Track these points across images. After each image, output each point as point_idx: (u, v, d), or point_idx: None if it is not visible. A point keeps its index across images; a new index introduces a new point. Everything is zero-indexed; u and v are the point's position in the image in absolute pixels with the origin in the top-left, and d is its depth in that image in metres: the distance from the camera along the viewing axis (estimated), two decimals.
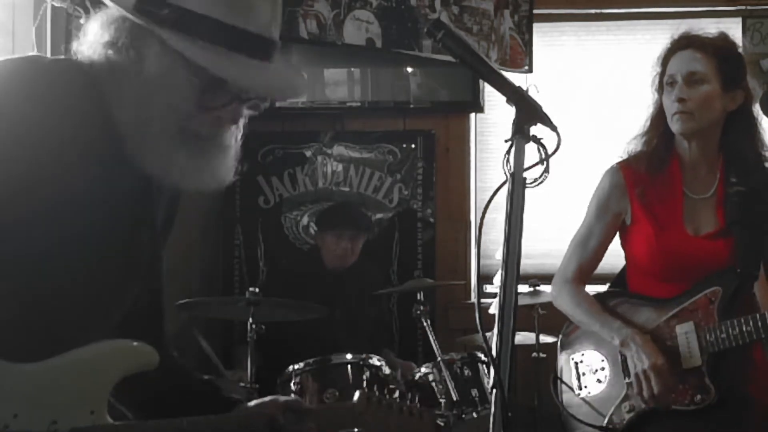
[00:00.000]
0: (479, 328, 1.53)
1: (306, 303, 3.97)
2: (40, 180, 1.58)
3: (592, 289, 2.88)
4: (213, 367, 4.02)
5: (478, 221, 2.66)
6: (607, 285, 2.94)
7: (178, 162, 1.65)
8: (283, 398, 1.93)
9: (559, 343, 2.92)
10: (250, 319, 3.81)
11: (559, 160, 1.59)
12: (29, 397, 1.61)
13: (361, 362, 3.73)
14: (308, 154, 5.31)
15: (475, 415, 3.72)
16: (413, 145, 5.30)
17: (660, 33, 2.86)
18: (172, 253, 1.95)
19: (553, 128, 1.60)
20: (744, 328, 2.56)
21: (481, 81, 4.80)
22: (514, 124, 1.60)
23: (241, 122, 1.73)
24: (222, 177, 1.71)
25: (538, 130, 1.61)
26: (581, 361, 2.82)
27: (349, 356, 3.75)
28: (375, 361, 3.74)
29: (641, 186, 2.73)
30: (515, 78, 4.18)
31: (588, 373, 2.79)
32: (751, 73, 2.77)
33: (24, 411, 1.60)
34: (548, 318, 4.07)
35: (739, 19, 5.24)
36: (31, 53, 1.79)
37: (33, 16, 3.27)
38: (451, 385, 3.71)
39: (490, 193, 1.59)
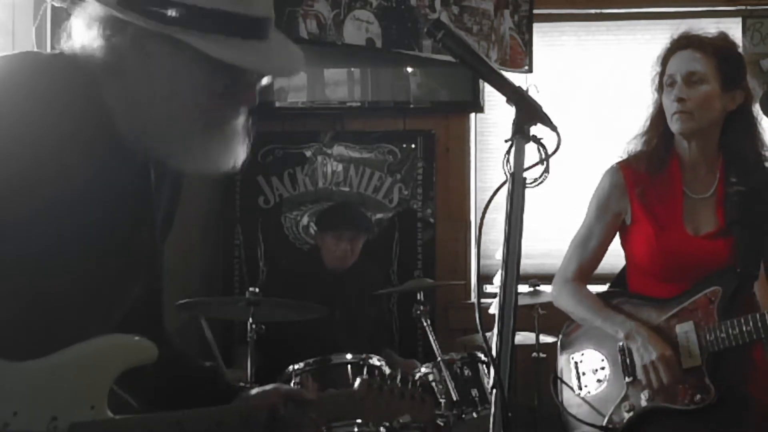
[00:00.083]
0: (479, 328, 1.53)
1: (306, 303, 3.97)
2: (40, 178, 1.59)
3: (592, 289, 2.87)
4: (213, 358, 4.03)
5: (478, 221, 2.66)
6: (607, 285, 2.94)
7: (203, 152, 1.68)
8: (285, 387, 1.94)
9: (559, 343, 2.92)
10: (250, 319, 3.81)
11: (559, 160, 1.59)
12: (28, 394, 1.61)
13: (361, 362, 3.73)
14: (308, 154, 5.31)
15: (475, 415, 3.72)
16: (413, 145, 5.30)
17: (660, 33, 2.86)
18: (172, 253, 1.95)
19: (553, 128, 1.60)
20: (744, 328, 2.56)
21: (481, 81, 4.80)
22: (514, 124, 1.60)
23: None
24: (237, 158, 1.73)
25: (538, 130, 1.61)
26: (581, 361, 2.82)
27: (349, 356, 3.75)
28: (375, 361, 3.74)
29: (641, 186, 2.73)
30: (515, 78, 4.18)
31: (588, 373, 2.79)
32: (751, 73, 2.77)
33: (24, 409, 1.61)
34: (548, 318, 4.07)
35: (739, 19, 5.24)
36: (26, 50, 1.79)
37: (33, 16, 3.27)
38: (451, 385, 3.71)
39: (490, 193, 1.59)
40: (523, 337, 4.32)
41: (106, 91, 1.65)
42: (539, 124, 1.61)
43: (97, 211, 1.65)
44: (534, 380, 4.28)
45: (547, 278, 3.31)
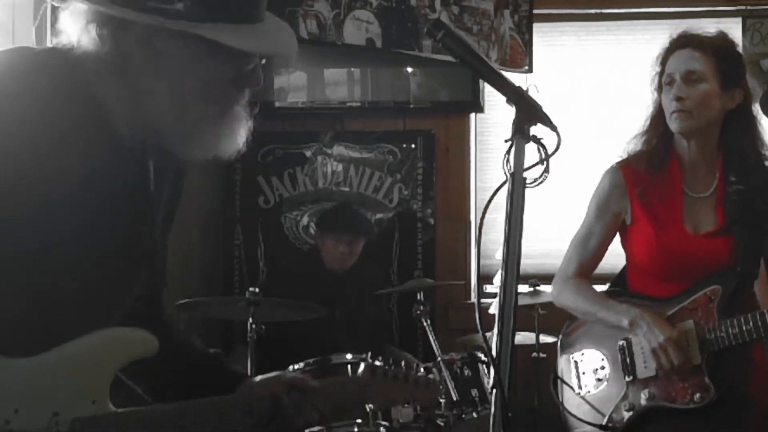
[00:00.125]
0: (479, 328, 1.53)
1: (306, 303, 3.97)
2: (38, 175, 1.59)
3: None
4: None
5: (478, 221, 2.66)
6: (607, 285, 2.94)
7: (211, 137, 1.70)
8: (288, 375, 1.94)
9: (559, 342, 2.92)
10: (250, 319, 3.81)
11: (559, 160, 1.59)
12: (29, 391, 1.62)
13: (361, 360, 3.72)
14: (308, 154, 5.31)
15: (475, 415, 3.72)
16: (413, 145, 5.30)
17: (660, 33, 2.86)
18: (172, 253, 1.95)
19: (553, 128, 1.60)
20: (744, 327, 2.56)
21: (481, 81, 4.80)
22: (514, 124, 1.60)
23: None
24: (240, 140, 1.75)
25: (538, 130, 1.61)
26: (581, 361, 2.82)
27: (349, 356, 3.75)
28: (376, 362, 3.73)
29: (641, 186, 2.73)
30: (515, 78, 4.18)
31: (588, 373, 2.79)
32: (751, 73, 2.77)
33: (24, 406, 1.61)
34: (548, 318, 4.07)
35: (739, 19, 5.24)
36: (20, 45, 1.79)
37: (33, 16, 3.27)
38: (451, 385, 3.71)
39: (490, 193, 1.59)
40: (523, 337, 4.32)
41: (104, 90, 1.65)
42: (539, 124, 1.61)
43: (96, 209, 1.65)
44: (534, 380, 4.28)
45: (547, 278, 3.31)
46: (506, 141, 1.59)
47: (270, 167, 5.27)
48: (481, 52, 4.52)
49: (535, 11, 5.16)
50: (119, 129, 1.67)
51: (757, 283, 2.68)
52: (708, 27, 2.79)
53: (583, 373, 2.80)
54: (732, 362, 2.60)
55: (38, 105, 1.60)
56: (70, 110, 1.62)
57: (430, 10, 4.77)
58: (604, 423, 2.69)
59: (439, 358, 3.80)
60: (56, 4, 1.69)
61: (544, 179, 1.60)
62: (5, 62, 1.65)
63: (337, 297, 4.44)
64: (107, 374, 1.69)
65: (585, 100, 5.32)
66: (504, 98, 1.62)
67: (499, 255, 2.88)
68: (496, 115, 5.30)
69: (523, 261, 1.57)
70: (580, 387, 2.79)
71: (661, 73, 2.72)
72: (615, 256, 2.88)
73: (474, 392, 3.80)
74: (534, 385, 4.30)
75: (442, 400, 3.64)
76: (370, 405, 2.09)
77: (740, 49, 2.79)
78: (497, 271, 2.23)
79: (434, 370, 3.80)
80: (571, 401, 2.80)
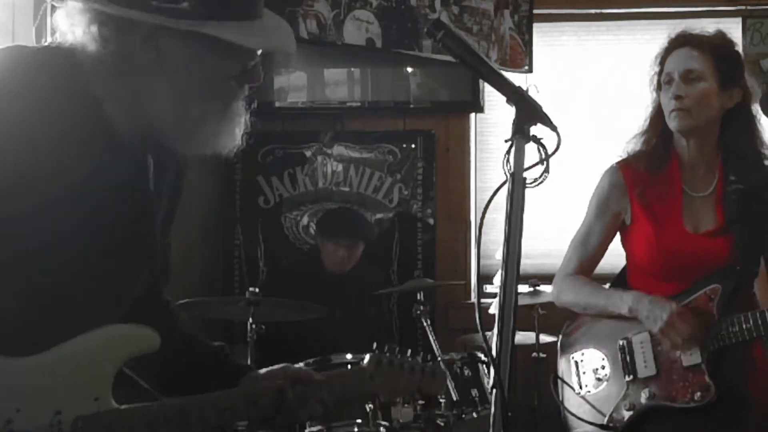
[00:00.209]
0: (479, 328, 1.53)
1: (306, 303, 3.97)
2: (37, 174, 1.59)
3: None
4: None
5: (478, 221, 2.66)
6: (608, 285, 2.93)
7: (212, 133, 1.71)
8: (293, 368, 1.93)
9: (559, 342, 2.92)
10: (250, 319, 3.81)
11: (559, 160, 1.59)
12: (31, 390, 1.62)
13: (360, 362, 3.72)
14: (308, 154, 5.31)
15: (475, 415, 3.72)
16: (413, 145, 5.30)
17: (660, 33, 2.86)
18: (173, 253, 1.95)
19: (553, 128, 1.60)
20: (744, 326, 2.56)
21: (481, 81, 4.80)
22: (514, 124, 1.60)
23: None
24: (239, 135, 1.76)
25: (538, 130, 1.61)
26: (581, 360, 2.82)
27: (349, 356, 3.75)
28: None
29: (641, 185, 2.74)
30: (515, 78, 4.18)
31: (588, 372, 2.79)
32: (751, 73, 2.78)
33: (26, 405, 1.61)
34: (548, 318, 4.07)
35: (739, 19, 5.24)
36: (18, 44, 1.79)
37: (33, 16, 3.28)
38: (451, 385, 3.71)
39: (490, 193, 1.60)
40: (523, 337, 4.32)
41: (104, 89, 1.65)
42: (539, 124, 1.61)
43: (95, 208, 1.65)
44: (534, 380, 4.28)
45: (547, 278, 3.31)
46: (506, 141, 1.59)
47: (270, 167, 5.27)
48: (481, 52, 4.52)
49: (535, 11, 5.16)
50: (118, 128, 1.67)
51: (756, 282, 2.68)
52: (708, 27, 2.79)
53: (584, 373, 2.80)
54: (732, 361, 2.61)
55: (37, 104, 1.60)
56: (69, 109, 1.62)
57: (430, 10, 4.78)
58: (604, 422, 2.69)
59: (439, 358, 3.80)
60: (56, 4, 1.69)
61: (544, 179, 1.60)
62: (3, 61, 1.64)
63: (337, 297, 4.44)
64: (109, 371, 1.69)
65: (585, 100, 5.32)
66: (504, 98, 1.63)
67: (499, 255, 2.87)
68: (496, 115, 5.30)
69: (523, 261, 1.57)
70: (580, 387, 2.79)
71: (659, 73, 2.72)
72: (615, 256, 2.88)
73: (474, 392, 3.80)
74: (534, 385, 4.30)
75: (442, 400, 3.64)
76: (377, 397, 2.08)
77: (738, 48, 2.79)
78: (497, 271, 2.22)
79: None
80: (571, 401, 2.80)
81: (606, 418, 2.70)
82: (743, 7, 5.25)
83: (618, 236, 2.83)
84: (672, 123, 2.67)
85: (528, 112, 1.61)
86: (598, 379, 2.77)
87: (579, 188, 3.64)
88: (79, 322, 1.67)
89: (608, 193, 2.79)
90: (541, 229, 5.00)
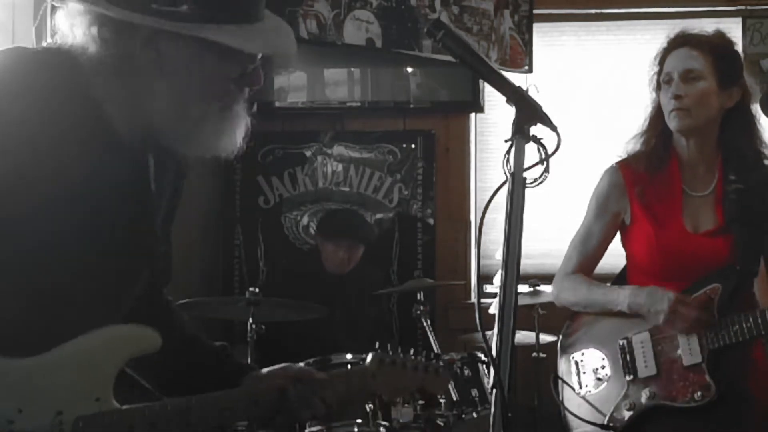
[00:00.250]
0: (479, 328, 1.53)
1: (306, 303, 3.97)
2: (36, 175, 1.59)
3: None
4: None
5: (478, 221, 2.66)
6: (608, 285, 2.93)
7: (212, 135, 1.71)
8: (295, 367, 1.93)
9: (559, 342, 2.92)
10: (250, 319, 3.81)
11: (559, 160, 1.59)
12: (32, 391, 1.62)
13: (361, 362, 3.71)
14: (308, 154, 5.31)
15: (475, 415, 3.72)
16: (413, 145, 5.30)
17: (660, 33, 2.86)
18: (173, 253, 1.95)
19: (553, 128, 1.60)
20: (744, 325, 2.56)
21: (481, 81, 4.80)
22: (514, 124, 1.60)
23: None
24: (240, 138, 1.76)
25: (538, 130, 1.61)
26: (581, 361, 2.82)
27: (349, 356, 3.75)
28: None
29: (640, 185, 2.74)
30: (515, 78, 4.18)
31: (588, 373, 2.79)
32: (751, 73, 2.78)
33: (28, 405, 1.61)
34: (548, 318, 4.07)
35: (739, 19, 5.24)
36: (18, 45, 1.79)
37: (33, 16, 3.28)
38: (451, 385, 3.71)
39: (490, 193, 1.60)
40: (523, 337, 4.32)
41: (103, 90, 1.65)
42: (539, 124, 1.61)
43: (95, 208, 1.65)
44: (534, 380, 4.28)
45: (547, 278, 3.31)
46: (506, 141, 1.59)
47: (270, 167, 5.27)
48: (481, 52, 4.53)
49: (535, 11, 5.16)
50: (119, 129, 1.67)
51: (756, 282, 2.68)
52: (708, 27, 2.79)
53: (584, 373, 2.80)
54: (732, 361, 2.61)
55: (37, 104, 1.60)
56: (69, 110, 1.63)
57: (430, 10, 4.78)
58: (605, 422, 2.69)
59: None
60: (56, 4, 1.69)
61: (544, 179, 1.60)
62: (4, 62, 1.65)
63: (337, 297, 4.44)
64: (110, 371, 1.69)
65: (585, 100, 5.32)
66: (504, 98, 1.63)
67: (499, 255, 2.88)
68: (496, 115, 5.30)
69: (523, 261, 1.57)
70: (580, 387, 2.79)
71: (659, 73, 2.72)
72: (615, 256, 2.88)
73: (474, 392, 3.80)
74: (534, 385, 4.30)
75: (442, 400, 3.64)
76: (380, 397, 2.07)
77: (737, 47, 2.79)
78: (497, 271, 2.23)
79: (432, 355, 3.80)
80: (571, 401, 2.80)
81: (606, 418, 2.70)
82: (743, 7, 5.25)
83: (618, 236, 2.84)
84: (672, 123, 2.68)
85: (528, 112, 1.61)
86: (599, 379, 2.77)
87: (579, 188, 3.63)
88: (80, 322, 1.67)
89: (608, 193, 2.80)
90: (541, 229, 5.00)
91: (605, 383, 2.75)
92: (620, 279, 2.86)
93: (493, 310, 3.87)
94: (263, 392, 1.84)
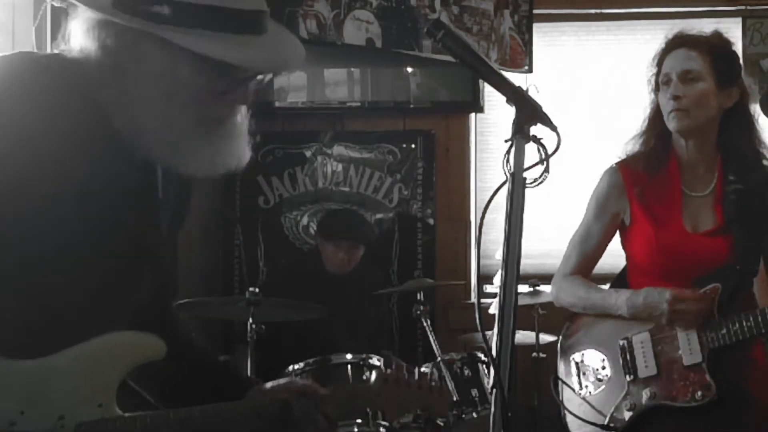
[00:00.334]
0: (479, 328, 1.53)
1: (306, 303, 3.97)
2: (39, 177, 1.59)
3: None
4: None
5: (478, 221, 2.66)
6: (608, 285, 2.94)
7: (202, 152, 1.66)
8: (299, 382, 1.93)
9: (559, 343, 2.92)
10: (250, 319, 3.81)
11: (559, 160, 1.59)
12: (35, 393, 1.62)
13: (361, 362, 3.72)
14: (308, 154, 5.31)
15: (475, 415, 3.72)
16: (413, 145, 5.30)
17: (660, 33, 2.86)
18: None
19: (553, 128, 1.60)
20: (744, 324, 2.56)
21: (481, 81, 4.80)
22: (514, 124, 1.60)
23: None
24: (241, 157, 1.72)
25: (538, 130, 1.61)
26: (581, 362, 2.82)
27: (349, 356, 3.75)
28: (375, 361, 3.74)
29: (640, 186, 2.74)
30: (515, 78, 4.18)
31: (588, 373, 2.79)
32: (751, 73, 2.79)
33: (30, 408, 1.61)
34: (548, 318, 4.07)
35: (739, 19, 5.24)
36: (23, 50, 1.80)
37: (33, 16, 3.28)
38: (451, 385, 3.71)
39: (490, 193, 1.59)
40: (523, 337, 4.32)
41: (104, 93, 1.65)
42: (539, 124, 1.61)
43: (98, 211, 1.65)
44: (534, 380, 4.28)
45: (547, 278, 3.31)
46: (506, 141, 1.59)
47: (270, 167, 5.26)
48: (481, 52, 4.53)
49: (535, 11, 5.16)
50: (121, 132, 1.67)
51: (756, 282, 2.69)
52: (708, 27, 2.80)
53: (584, 374, 2.80)
54: (732, 360, 2.61)
55: (38, 107, 1.60)
56: (71, 113, 1.63)
57: (430, 10, 4.77)
58: (605, 423, 2.69)
59: (439, 358, 3.80)
60: (56, 4, 1.69)
61: (544, 179, 1.60)
62: (9, 66, 1.65)
63: (337, 297, 4.44)
64: (114, 378, 1.69)
65: (585, 100, 5.32)
66: (504, 98, 1.62)
67: (499, 255, 2.88)
68: (496, 115, 5.30)
69: (523, 261, 1.57)
70: (580, 388, 2.79)
71: (657, 74, 2.73)
72: (615, 256, 2.88)
73: (474, 392, 3.81)
74: (534, 385, 4.30)
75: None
76: (383, 415, 2.06)
77: (736, 48, 2.80)
78: (497, 271, 2.23)
79: (434, 370, 3.80)
80: (571, 401, 2.80)
81: (607, 419, 2.70)
82: (743, 7, 5.25)
83: (618, 236, 2.84)
84: (671, 124, 2.68)
85: (528, 112, 1.61)
86: (599, 380, 2.77)
87: (579, 188, 3.63)
88: (81, 324, 1.67)
89: (607, 193, 2.80)
90: (541, 229, 5.00)
91: (605, 384, 2.75)
92: (620, 279, 2.86)
93: (493, 310, 3.87)
94: (266, 405, 1.84)
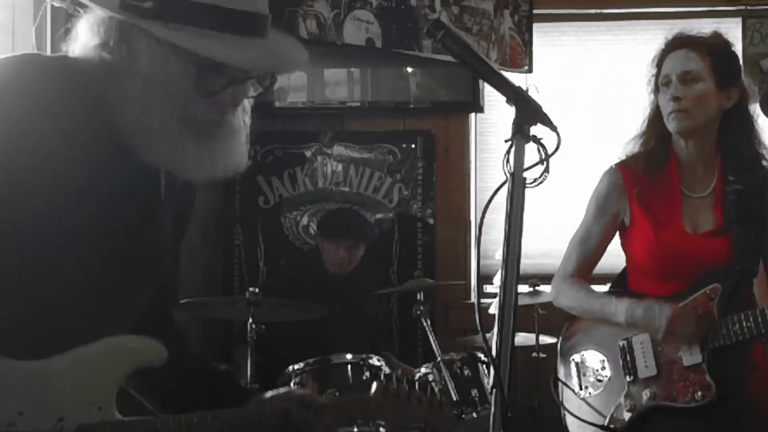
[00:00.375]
0: (479, 328, 1.53)
1: (306, 303, 3.97)
2: (40, 179, 1.59)
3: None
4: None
5: (478, 221, 2.67)
6: (608, 285, 2.94)
7: (188, 153, 1.64)
8: (299, 391, 1.93)
9: (559, 343, 2.92)
10: (250, 319, 3.81)
11: (559, 160, 1.59)
12: (35, 395, 1.62)
13: (361, 362, 3.73)
14: (308, 154, 5.31)
15: (475, 415, 3.72)
16: (413, 145, 5.30)
17: (660, 33, 2.86)
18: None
19: (553, 128, 1.60)
20: (744, 324, 2.57)
21: (481, 81, 4.80)
22: (514, 124, 1.60)
23: (247, 104, 1.72)
24: (236, 162, 1.70)
25: (538, 130, 1.61)
26: (581, 362, 2.82)
27: (349, 356, 3.75)
28: (375, 361, 3.74)
29: (639, 186, 2.74)
30: (515, 78, 4.18)
31: (588, 374, 2.79)
32: (751, 73, 2.79)
33: (30, 409, 1.61)
34: (548, 318, 4.07)
35: (739, 19, 5.24)
36: (28, 52, 1.80)
37: (33, 16, 3.27)
38: (451, 385, 3.71)
39: (490, 193, 1.59)
40: (523, 338, 4.32)
41: (107, 93, 1.65)
42: (539, 124, 1.61)
43: (98, 212, 1.65)
44: (534, 380, 4.28)
45: (547, 278, 3.31)
46: (506, 141, 1.59)
47: (270, 167, 5.26)
48: (481, 52, 4.53)
49: (535, 11, 5.16)
50: (122, 130, 1.66)
51: (756, 282, 2.69)
52: (708, 27, 2.80)
53: (584, 374, 2.80)
54: (732, 360, 2.61)
55: (40, 107, 1.60)
56: (72, 113, 1.63)
57: (430, 10, 4.77)
58: (605, 423, 2.69)
59: (439, 358, 3.80)
60: (56, 4, 1.69)
61: (544, 179, 1.60)
62: (11, 68, 1.65)
63: (337, 297, 4.44)
64: (114, 381, 1.69)
65: (585, 100, 5.32)
66: (504, 98, 1.62)
67: (499, 255, 2.88)
68: (496, 115, 5.30)
69: (523, 261, 1.57)
70: (580, 389, 2.79)
71: (657, 75, 2.73)
72: (615, 256, 2.88)
73: (474, 392, 3.81)
74: (534, 385, 4.30)
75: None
76: (382, 426, 2.06)
77: (735, 48, 2.80)
78: (497, 271, 2.22)
79: (434, 370, 3.80)
80: (571, 402, 2.80)
81: (607, 419, 2.70)
82: (743, 7, 5.25)
83: (618, 237, 2.84)
84: (671, 124, 2.68)
85: (528, 112, 1.61)
86: (599, 381, 2.77)
87: (579, 188, 3.63)
88: (83, 325, 1.67)
89: (607, 193, 2.80)
90: (541, 229, 5.00)
91: (605, 384, 2.75)
92: (620, 280, 2.86)
93: (493, 310, 3.87)
94: (266, 413, 1.83)
